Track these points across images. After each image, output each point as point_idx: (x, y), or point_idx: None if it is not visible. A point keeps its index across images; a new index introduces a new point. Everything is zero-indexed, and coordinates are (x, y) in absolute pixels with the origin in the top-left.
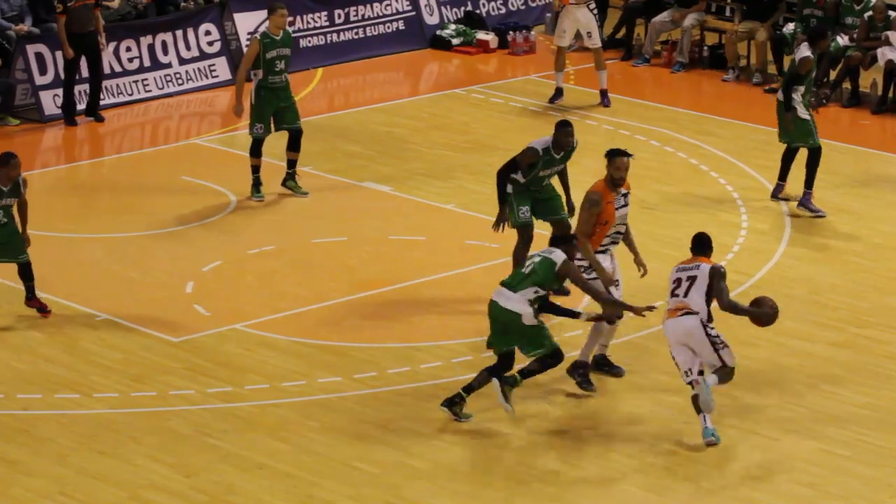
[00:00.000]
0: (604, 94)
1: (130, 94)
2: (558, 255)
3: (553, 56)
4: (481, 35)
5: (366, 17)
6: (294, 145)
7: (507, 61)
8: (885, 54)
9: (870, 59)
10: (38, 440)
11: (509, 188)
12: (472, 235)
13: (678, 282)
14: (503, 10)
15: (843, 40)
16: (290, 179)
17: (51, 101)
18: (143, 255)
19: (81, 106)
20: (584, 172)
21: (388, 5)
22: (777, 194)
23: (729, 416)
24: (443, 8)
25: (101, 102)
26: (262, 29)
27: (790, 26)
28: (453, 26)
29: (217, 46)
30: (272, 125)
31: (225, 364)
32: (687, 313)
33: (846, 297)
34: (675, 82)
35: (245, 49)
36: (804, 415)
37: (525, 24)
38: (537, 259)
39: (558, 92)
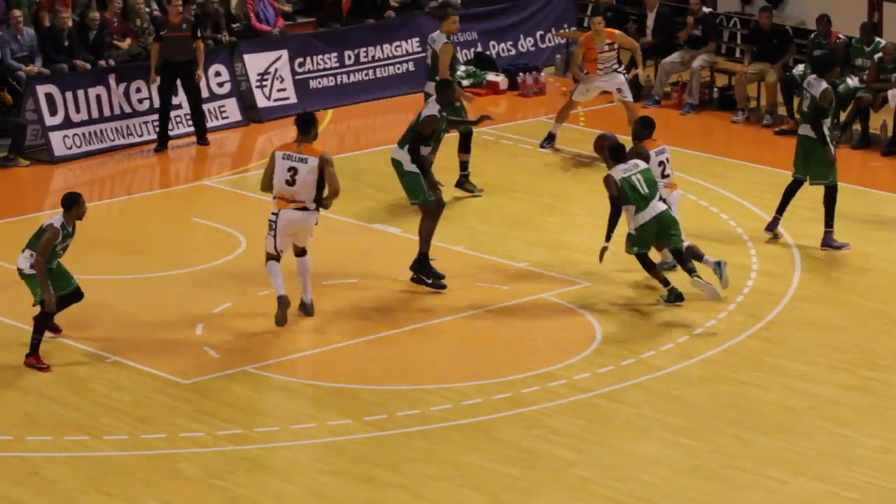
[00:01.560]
0: None
1: (140, 136)
2: None
3: (563, 100)
4: (491, 76)
5: (376, 58)
6: (465, 147)
7: (517, 103)
8: (895, 96)
9: (880, 101)
10: (47, 482)
11: (412, 166)
12: (481, 277)
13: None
14: (513, 52)
15: (853, 82)
16: (465, 181)
17: (60, 142)
18: (152, 297)
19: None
20: (589, 214)
21: (398, 46)
22: (772, 228)
23: (738, 458)
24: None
25: (115, 143)
26: (440, 37)
27: (800, 68)
28: (463, 67)
29: (227, 88)
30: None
31: (235, 406)
32: None
33: (856, 340)
34: (685, 124)
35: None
36: (813, 457)
37: (535, 66)
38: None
39: (550, 137)
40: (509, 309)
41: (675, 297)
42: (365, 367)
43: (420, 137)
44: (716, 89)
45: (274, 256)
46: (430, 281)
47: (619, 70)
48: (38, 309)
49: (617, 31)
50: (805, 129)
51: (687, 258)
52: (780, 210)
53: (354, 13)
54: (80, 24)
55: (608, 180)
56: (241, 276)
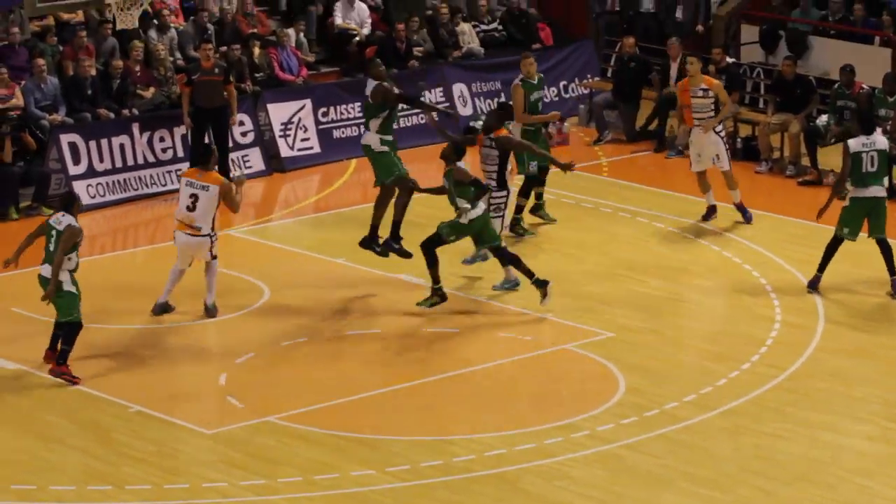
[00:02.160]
0: (741, 208)
1: (164, 185)
2: None
3: (587, 150)
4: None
5: (400, 108)
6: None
7: None
8: None
9: None
10: None
11: (383, 146)
12: (504, 328)
13: None
14: None
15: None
16: (539, 209)
17: (84, 191)
18: (176, 346)
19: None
20: (612, 264)
21: (421, 96)
22: (814, 286)
23: None
24: (476, 99)
25: (136, 192)
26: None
27: (823, 118)
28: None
29: (251, 137)
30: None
31: (258, 456)
32: None
33: (880, 391)
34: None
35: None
36: None
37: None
38: None
39: (711, 210)
40: (532, 359)
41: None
42: (388, 418)
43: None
44: (739, 139)
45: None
46: (397, 247)
47: (718, 131)
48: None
49: (715, 81)
50: (876, 190)
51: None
52: (822, 268)
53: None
54: (103, 72)
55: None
56: (265, 326)
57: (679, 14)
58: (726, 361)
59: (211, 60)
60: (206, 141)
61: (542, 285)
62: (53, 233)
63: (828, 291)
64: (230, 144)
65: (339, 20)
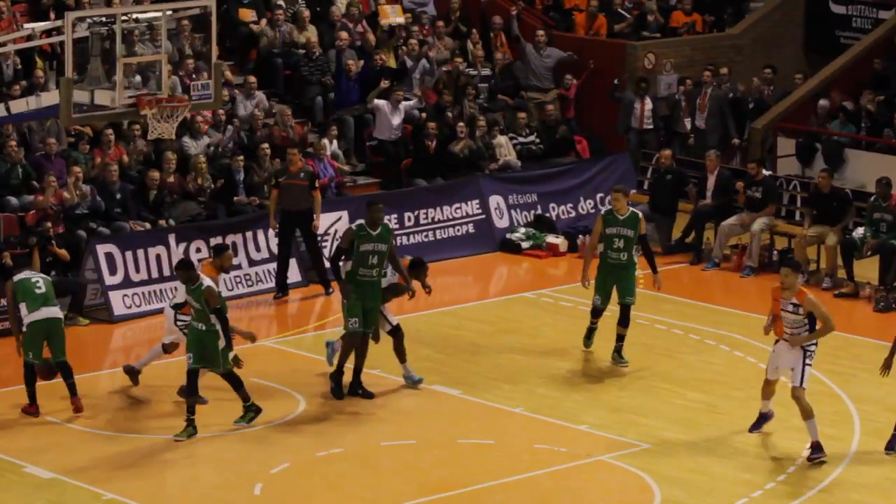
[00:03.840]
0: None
1: None
2: None
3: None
4: (551, 238)
5: (436, 219)
6: (623, 320)
7: (577, 265)
8: None
9: None
10: None
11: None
12: (540, 439)
13: None
14: (573, 214)
15: None
16: (615, 352)
17: (120, 301)
18: (212, 457)
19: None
20: (648, 376)
21: (458, 208)
22: (893, 447)
23: None
24: (513, 211)
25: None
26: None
27: (860, 231)
28: (523, 230)
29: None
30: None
31: None
32: None
33: None
34: (745, 286)
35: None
36: None
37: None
38: None
39: (763, 417)
40: (568, 471)
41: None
42: None
43: (339, 249)
44: (776, 252)
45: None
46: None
47: (809, 349)
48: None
49: (808, 295)
50: None
51: None
52: None
53: (415, 174)
54: (140, 181)
55: None
56: (300, 436)
57: (701, 123)
58: (762, 472)
59: (298, 164)
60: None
61: (252, 410)
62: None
63: (863, 402)
64: (265, 257)
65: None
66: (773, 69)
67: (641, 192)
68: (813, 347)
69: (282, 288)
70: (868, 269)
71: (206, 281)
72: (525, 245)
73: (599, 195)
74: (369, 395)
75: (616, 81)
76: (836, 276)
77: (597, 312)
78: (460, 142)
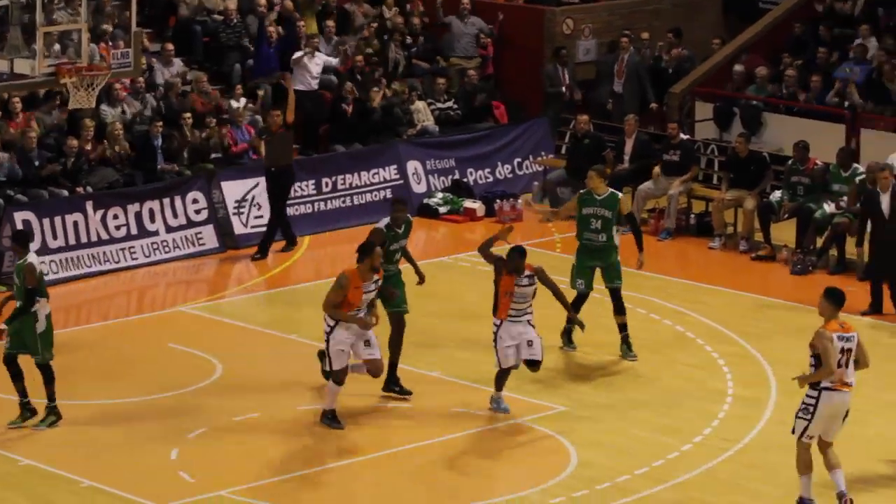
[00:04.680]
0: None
1: (117, 262)
2: None
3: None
4: (468, 203)
5: (353, 185)
6: (617, 308)
7: (495, 229)
8: None
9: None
10: None
11: None
12: (457, 403)
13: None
14: (490, 179)
15: (829, 207)
16: (622, 344)
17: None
18: (128, 422)
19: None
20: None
21: (375, 174)
22: None
23: None
24: (430, 176)
25: (88, 269)
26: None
27: (777, 194)
28: (440, 195)
29: (204, 215)
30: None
31: None
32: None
33: None
34: (662, 250)
35: None
36: None
37: (512, 193)
38: None
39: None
40: (483, 434)
41: None
42: (340, 492)
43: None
44: (693, 215)
45: None
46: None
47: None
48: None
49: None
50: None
51: None
52: None
53: (333, 140)
54: (57, 149)
55: None
56: (217, 401)
57: (618, 87)
58: (679, 435)
59: (279, 123)
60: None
61: (53, 413)
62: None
63: (779, 364)
64: (182, 223)
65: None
66: (677, 33)
67: (559, 157)
68: (806, 398)
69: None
70: (785, 233)
71: (31, 258)
72: (443, 210)
73: (517, 160)
74: (406, 392)
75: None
76: (752, 239)
77: (582, 298)
78: (377, 95)
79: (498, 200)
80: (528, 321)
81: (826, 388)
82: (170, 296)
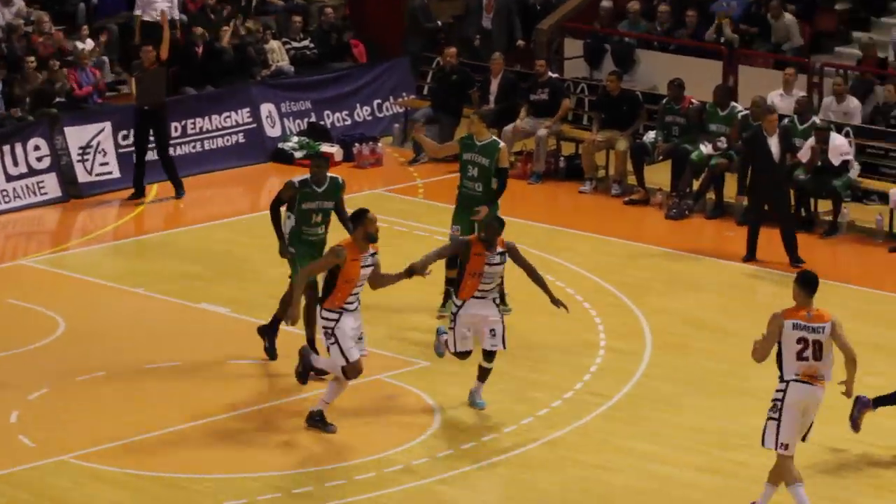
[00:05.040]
0: None
1: None
2: None
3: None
4: (325, 147)
5: (204, 129)
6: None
7: (353, 175)
8: None
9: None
10: None
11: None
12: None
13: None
14: (348, 122)
15: (706, 148)
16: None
17: None
18: None
19: None
20: (428, 291)
21: (227, 117)
22: None
23: None
24: (285, 119)
25: None
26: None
27: (651, 135)
28: (296, 138)
29: (46, 162)
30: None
31: (51, 499)
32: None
33: (711, 419)
34: (531, 194)
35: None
36: None
37: (372, 136)
38: None
39: None
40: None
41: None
42: (190, 455)
43: (278, 199)
44: (562, 158)
45: None
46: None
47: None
48: None
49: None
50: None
51: None
52: None
53: (183, 82)
54: None
55: None
56: (60, 361)
57: (486, 23)
58: (548, 390)
59: (152, 59)
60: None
61: None
62: None
63: (655, 314)
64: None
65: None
66: None
67: (421, 98)
68: (774, 394)
69: (138, 189)
70: (659, 175)
71: None
72: (298, 155)
73: (377, 101)
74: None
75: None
76: (625, 182)
77: None
78: (227, 34)
79: (357, 144)
80: (494, 300)
81: (794, 381)
82: (9, 248)
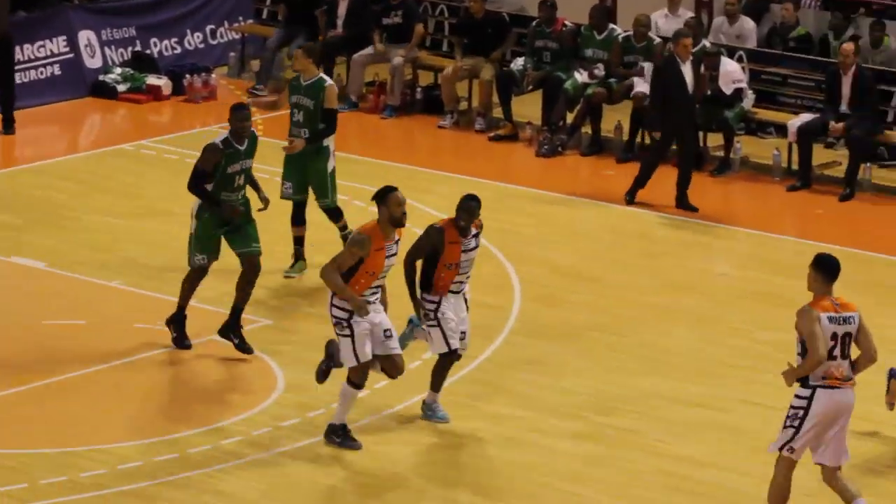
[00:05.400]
0: None
1: None
2: None
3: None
4: (152, 80)
5: (15, 60)
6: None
7: (183, 110)
8: (637, 86)
9: (623, 91)
10: None
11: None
12: (141, 317)
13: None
14: (178, 50)
15: (581, 77)
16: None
17: None
18: None
19: None
20: (269, 241)
21: (40, 47)
22: None
23: None
24: (106, 48)
25: None
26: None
27: (519, 62)
28: (119, 70)
29: None
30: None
31: None
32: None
33: (589, 381)
34: (385, 130)
35: None
36: None
37: (204, 66)
38: None
39: None
40: (174, 354)
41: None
42: (1, 428)
43: (201, 172)
44: (419, 89)
45: None
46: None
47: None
48: None
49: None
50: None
51: None
52: None
53: None
54: None
55: None
56: None
57: None
58: (407, 350)
59: None
60: None
61: None
62: None
63: (525, 262)
64: None
65: None
66: None
67: (260, 22)
68: (795, 401)
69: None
70: (529, 107)
71: None
72: (121, 88)
73: (209, 27)
74: (247, 350)
75: None
76: (490, 115)
77: (295, 206)
78: None
79: (188, 76)
80: (465, 294)
81: (821, 386)
82: None
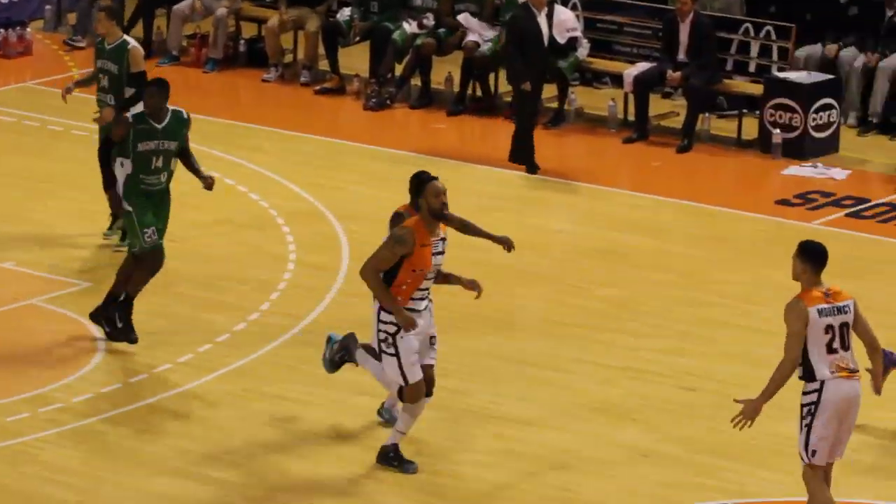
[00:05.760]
0: None
1: None
2: None
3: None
4: None
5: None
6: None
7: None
8: (469, 35)
9: (454, 42)
10: None
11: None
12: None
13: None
14: None
15: (410, 27)
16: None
17: None
18: None
19: None
20: (90, 200)
21: None
22: None
23: (280, 490)
24: None
25: None
26: None
27: (345, 12)
28: None
29: None
30: None
31: None
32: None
33: None
34: (207, 84)
35: None
36: (373, 489)
37: (19, 20)
38: None
39: None
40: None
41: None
42: None
43: (107, 140)
44: (243, 41)
45: None
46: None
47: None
48: None
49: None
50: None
51: None
52: None
53: None
54: None
55: None
56: None
57: None
58: (229, 312)
59: None
60: None
61: None
62: None
63: (351, 220)
64: None
65: None
66: None
67: None
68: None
69: None
70: (356, 59)
71: None
72: None
73: None
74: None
75: None
76: (316, 68)
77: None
78: None
79: (2, 30)
80: (429, 301)
81: (830, 378)
82: None
